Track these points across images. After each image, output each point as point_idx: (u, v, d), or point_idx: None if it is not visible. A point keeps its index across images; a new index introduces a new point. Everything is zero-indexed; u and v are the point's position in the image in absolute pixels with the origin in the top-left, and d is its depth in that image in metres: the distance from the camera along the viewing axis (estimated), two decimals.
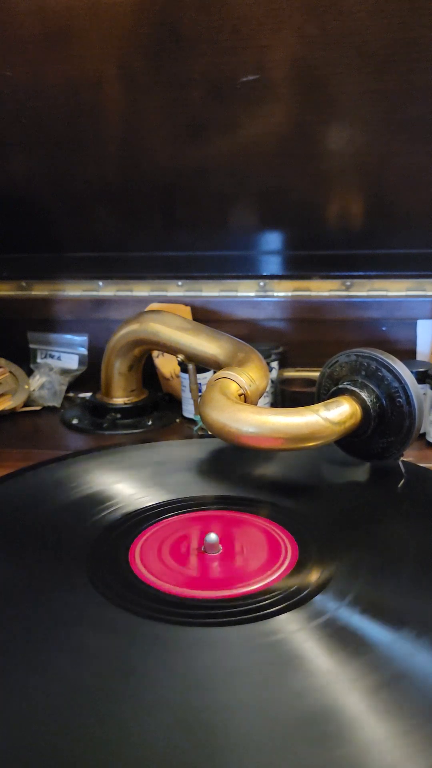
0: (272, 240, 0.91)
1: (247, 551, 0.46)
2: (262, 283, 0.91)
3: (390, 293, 0.88)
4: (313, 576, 0.43)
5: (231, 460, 0.62)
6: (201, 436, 0.75)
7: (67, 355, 0.95)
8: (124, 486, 0.57)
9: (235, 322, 0.91)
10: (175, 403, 0.84)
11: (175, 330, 0.74)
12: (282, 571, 0.44)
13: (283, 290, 0.91)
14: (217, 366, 0.69)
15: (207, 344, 0.71)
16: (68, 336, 0.96)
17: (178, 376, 0.83)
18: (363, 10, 0.69)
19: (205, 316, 0.91)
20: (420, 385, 0.58)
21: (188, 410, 0.81)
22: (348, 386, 0.56)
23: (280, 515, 0.51)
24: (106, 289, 0.95)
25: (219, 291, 0.92)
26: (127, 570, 0.44)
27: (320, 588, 0.41)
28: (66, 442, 0.77)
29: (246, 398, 0.59)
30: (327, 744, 0.29)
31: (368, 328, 0.89)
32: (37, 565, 0.45)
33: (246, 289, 0.92)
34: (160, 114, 0.80)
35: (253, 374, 0.61)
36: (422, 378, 0.70)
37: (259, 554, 0.46)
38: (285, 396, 0.84)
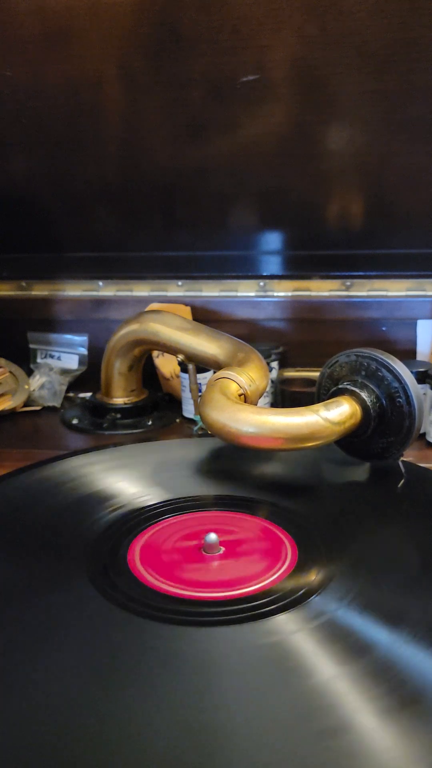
0: (272, 240, 0.91)
1: (247, 551, 0.46)
2: (262, 283, 0.91)
3: (390, 293, 0.88)
4: (313, 576, 0.43)
5: (231, 460, 0.62)
6: (201, 436, 0.74)
7: (67, 355, 0.95)
8: (124, 485, 0.57)
9: (235, 322, 0.91)
10: (175, 403, 0.84)
11: (175, 330, 0.74)
12: (282, 572, 0.44)
13: (283, 290, 0.91)
14: (217, 366, 0.69)
15: (207, 344, 0.71)
16: (68, 336, 0.96)
17: (178, 376, 0.83)
18: (363, 10, 0.69)
19: (205, 316, 0.91)
20: (420, 385, 0.58)
21: (188, 410, 0.81)
22: (348, 386, 0.56)
23: (280, 515, 0.51)
24: (106, 289, 0.95)
25: (219, 291, 0.92)
26: (126, 570, 0.44)
27: (320, 588, 0.41)
28: (66, 442, 0.77)
29: (246, 398, 0.59)
30: (327, 744, 0.29)
31: (368, 328, 0.89)
32: (37, 565, 0.45)
33: (246, 289, 0.92)
34: (160, 114, 0.80)
35: (253, 374, 0.61)
36: (422, 378, 0.70)
37: (259, 554, 0.46)
38: (285, 396, 0.84)
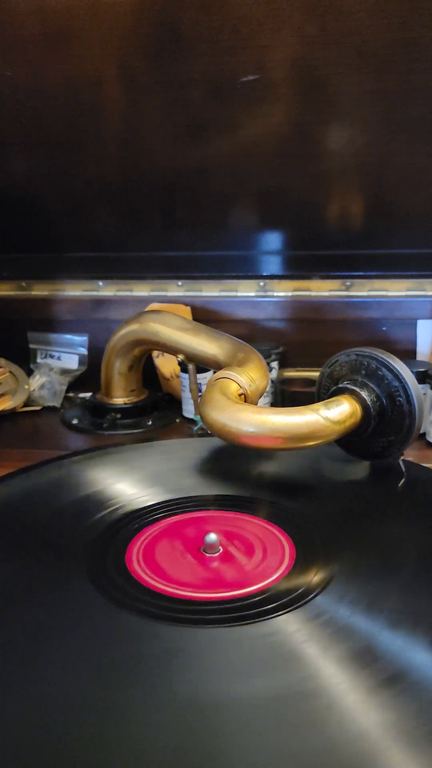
0: (272, 240, 0.91)
1: (246, 551, 0.46)
2: (262, 283, 0.91)
3: (390, 293, 0.88)
4: (313, 576, 0.43)
5: (231, 459, 0.62)
6: (201, 436, 0.74)
7: (67, 355, 0.95)
8: (124, 486, 0.57)
9: (235, 322, 0.91)
10: (175, 403, 0.84)
11: (175, 330, 0.74)
12: (282, 571, 0.44)
13: (283, 290, 0.91)
14: (217, 366, 0.69)
15: (207, 344, 0.71)
16: (68, 336, 0.96)
17: (178, 376, 0.83)
18: (363, 10, 0.69)
19: (205, 316, 0.91)
20: (420, 385, 0.58)
21: (188, 410, 0.81)
22: (348, 385, 0.56)
23: (280, 515, 0.51)
24: (106, 289, 0.95)
25: (219, 291, 0.92)
26: (126, 570, 0.44)
27: (320, 588, 0.41)
28: (66, 442, 0.77)
29: (246, 398, 0.59)
30: (327, 744, 0.29)
31: (368, 328, 0.89)
32: (37, 565, 0.45)
33: (246, 289, 0.92)
34: (160, 114, 0.80)
35: (253, 374, 0.61)
36: (422, 378, 0.70)
37: (259, 554, 0.46)
38: (285, 396, 0.84)
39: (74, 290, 0.96)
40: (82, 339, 0.95)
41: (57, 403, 0.87)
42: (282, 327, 0.91)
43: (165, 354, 0.86)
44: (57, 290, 0.96)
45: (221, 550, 0.46)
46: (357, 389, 0.56)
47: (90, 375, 0.93)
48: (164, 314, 0.76)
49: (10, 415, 0.84)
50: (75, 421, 0.81)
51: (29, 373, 0.91)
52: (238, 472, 0.59)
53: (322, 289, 0.90)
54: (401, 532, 0.49)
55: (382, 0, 0.68)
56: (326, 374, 0.60)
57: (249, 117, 0.79)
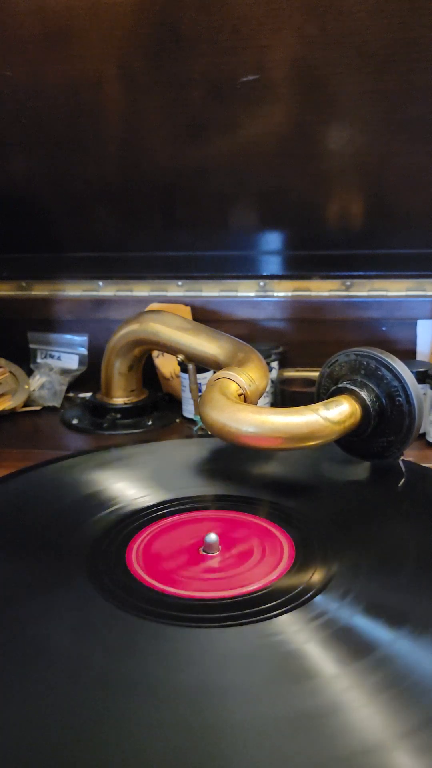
0: (272, 240, 0.91)
1: (246, 551, 0.46)
2: (262, 283, 0.91)
3: (390, 293, 0.88)
4: (313, 576, 0.43)
5: (231, 460, 0.62)
6: (201, 436, 0.74)
7: (67, 355, 0.95)
8: (124, 486, 0.57)
9: (235, 322, 0.91)
10: (175, 403, 0.84)
11: (175, 330, 0.74)
12: (282, 571, 0.44)
13: (283, 290, 0.91)
14: (217, 366, 0.69)
15: (207, 344, 0.71)
16: (68, 336, 0.96)
17: (178, 376, 0.83)
18: (363, 10, 0.69)
19: (205, 316, 0.91)
20: (420, 385, 0.58)
21: (188, 410, 0.81)
22: (348, 385, 0.56)
23: (280, 515, 0.51)
24: (106, 289, 0.95)
25: (219, 291, 0.92)
26: (126, 570, 0.44)
27: (320, 588, 0.41)
28: (66, 442, 0.77)
29: (246, 398, 0.59)
30: (327, 744, 0.29)
31: (368, 328, 0.89)
32: (37, 565, 0.45)
33: (246, 289, 0.92)
34: (160, 114, 0.80)
35: (252, 374, 0.61)
36: (422, 378, 0.70)
37: (259, 554, 0.46)
38: (285, 396, 0.84)
39: (74, 290, 0.96)
40: (82, 339, 0.95)
41: (57, 403, 0.87)
42: (282, 327, 0.91)
43: (165, 354, 0.86)
44: (57, 290, 0.96)
45: (221, 550, 0.46)
46: (356, 389, 0.56)
47: (90, 375, 0.93)
48: (164, 314, 0.76)
49: (10, 415, 0.84)
50: (75, 421, 0.81)
51: (29, 373, 0.91)
52: (238, 472, 0.59)
53: (322, 289, 0.90)
54: (401, 531, 0.49)
55: (382, 0, 0.68)
56: (326, 374, 0.60)
57: (249, 117, 0.79)
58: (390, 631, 0.37)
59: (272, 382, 0.82)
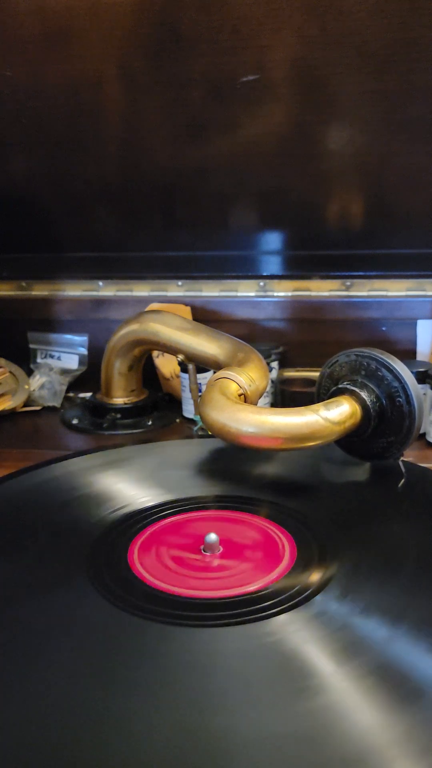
0: (272, 240, 0.91)
1: (246, 551, 0.46)
2: (262, 283, 0.91)
3: (390, 293, 0.88)
4: (313, 576, 0.43)
5: (231, 460, 0.62)
6: (201, 436, 0.74)
7: (67, 355, 0.95)
8: (124, 486, 0.57)
9: (235, 322, 0.91)
10: (175, 403, 0.84)
11: (175, 330, 0.74)
12: (282, 571, 0.44)
13: (283, 290, 0.91)
14: (217, 366, 0.69)
15: (207, 344, 0.71)
16: (68, 336, 0.96)
17: (178, 376, 0.83)
18: (363, 10, 0.69)
19: (205, 316, 0.91)
20: (420, 385, 0.58)
21: (188, 410, 0.81)
22: (348, 386, 0.56)
23: (280, 515, 0.51)
24: (106, 289, 0.95)
25: (219, 291, 0.92)
26: (126, 570, 0.44)
27: (320, 588, 0.41)
28: (66, 442, 0.77)
29: (246, 398, 0.59)
30: (326, 744, 0.29)
31: (368, 328, 0.89)
32: (37, 565, 0.45)
33: (246, 289, 0.92)
34: (160, 114, 0.80)
35: (253, 374, 0.61)
36: (422, 378, 0.70)
37: (259, 554, 0.46)
38: (285, 396, 0.84)
39: (74, 290, 0.96)
40: (82, 339, 0.95)
41: (57, 403, 0.87)
42: (282, 327, 0.91)
43: (165, 354, 0.86)
44: (57, 290, 0.96)
45: (221, 550, 0.46)
46: (357, 390, 0.56)
47: (90, 375, 0.93)
48: (164, 314, 0.76)
49: (10, 415, 0.84)
50: (75, 421, 0.81)
51: (29, 373, 0.91)
52: (238, 472, 0.59)
53: (322, 289, 0.90)
54: (401, 532, 0.49)
55: (382, 0, 0.68)
56: (326, 375, 0.60)
57: (249, 117, 0.79)
58: (390, 630, 0.37)
59: (272, 382, 0.82)
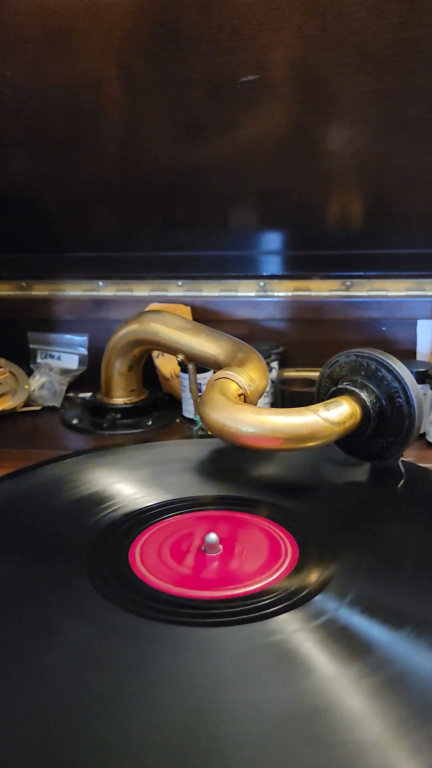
0: (272, 240, 0.91)
1: (247, 551, 0.46)
2: (262, 283, 0.92)
3: (390, 293, 0.88)
4: (313, 576, 0.43)
5: (231, 460, 0.62)
6: (201, 436, 0.75)
7: (67, 355, 0.95)
8: (124, 486, 0.57)
9: (235, 322, 0.91)
10: (175, 403, 0.84)
11: (175, 330, 0.74)
12: (282, 571, 0.44)
13: (283, 290, 0.91)
14: (216, 366, 0.69)
15: (207, 344, 0.71)
16: (68, 336, 0.96)
17: (178, 376, 0.83)
18: (363, 10, 0.69)
19: (205, 316, 0.91)
20: (420, 385, 0.58)
21: (188, 410, 0.81)
22: (348, 386, 0.56)
23: (280, 515, 0.51)
24: (106, 289, 0.95)
25: (219, 291, 0.92)
26: (127, 570, 0.44)
27: (320, 588, 0.41)
28: (66, 442, 0.77)
29: (246, 398, 0.59)
30: (326, 744, 0.29)
31: (368, 328, 0.89)
32: (37, 565, 0.45)
33: (246, 289, 0.92)
34: (160, 114, 0.80)
35: (252, 374, 0.61)
36: (422, 378, 0.70)
37: (259, 554, 0.46)
38: (285, 396, 0.84)
39: (74, 290, 0.96)
40: (82, 339, 0.95)
41: (57, 403, 0.87)
42: (282, 327, 0.91)
43: (165, 354, 0.86)
44: (57, 290, 0.96)
45: (221, 550, 0.46)
46: (356, 390, 0.56)
47: (90, 375, 0.93)
48: (164, 314, 0.76)
49: (10, 415, 0.84)
50: (75, 421, 0.81)
51: (29, 373, 0.91)
52: (238, 472, 0.59)
53: (322, 289, 0.90)
54: (401, 532, 0.49)
55: (382, 0, 0.68)
56: (326, 375, 0.60)
57: (249, 117, 0.79)
58: (390, 631, 0.37)
59: (272, 382, 0.82)
